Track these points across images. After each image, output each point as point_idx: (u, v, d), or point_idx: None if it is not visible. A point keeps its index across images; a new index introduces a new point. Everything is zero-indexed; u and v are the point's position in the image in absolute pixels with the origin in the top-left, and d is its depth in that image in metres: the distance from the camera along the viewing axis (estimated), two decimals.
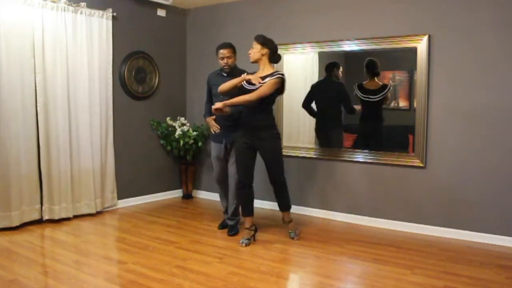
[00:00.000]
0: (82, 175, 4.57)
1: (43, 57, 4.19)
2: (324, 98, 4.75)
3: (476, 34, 3.81)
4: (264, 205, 5.03)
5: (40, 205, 4.27)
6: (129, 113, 5.09)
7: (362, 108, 4.49)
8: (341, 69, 4.62)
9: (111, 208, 4.89)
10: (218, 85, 3.83)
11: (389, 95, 4.33)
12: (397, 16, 4.16)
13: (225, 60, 3.96)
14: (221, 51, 3.98)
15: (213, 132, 4.05)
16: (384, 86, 4.34)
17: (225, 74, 4.02)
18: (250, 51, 3.76)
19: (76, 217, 4.49)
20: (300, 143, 4.88)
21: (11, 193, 4.02)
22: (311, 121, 4.80)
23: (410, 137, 4.16)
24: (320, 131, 4.76)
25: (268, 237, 3.98)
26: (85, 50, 4.51)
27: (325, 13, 4.57)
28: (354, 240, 3.93)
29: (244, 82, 3.72)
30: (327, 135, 4.77)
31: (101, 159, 4.77)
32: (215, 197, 5.47)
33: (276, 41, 4.82)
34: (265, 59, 3.73)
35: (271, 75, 3.66)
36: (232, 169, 4.04)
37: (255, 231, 3.86)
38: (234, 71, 4.01)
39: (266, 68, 3.74)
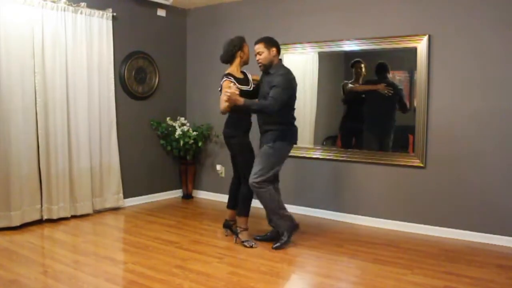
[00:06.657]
0: (81, 175, 4.55)
1: (43, 57, 4.18)
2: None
3: (476, 34, 3.81)
4: None
5: (40, 205, 4.26)
6: (129, 113, 5.09)
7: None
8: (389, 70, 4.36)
9: (111, 208, 4.89)
10: (262, 83, 3.68)
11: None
12: (397, 16, 4.16)
13: (256, 57, 3.64)
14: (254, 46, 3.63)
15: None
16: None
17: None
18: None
19: (74, 217, 4.49)
20: (300, 143, 4.86)
21: (11, 193, 4.02)
22: (311, 121, 4.80)
23: (410, 137, 4.17)
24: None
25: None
26: (85, 50, 4.50)
27: (325, 13, 4.57)
28: (354, 240, 3.93)
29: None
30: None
31: (101, 159, 4.76)
32: (215, 197, 5.49)
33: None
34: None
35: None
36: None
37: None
38: (267, 69, 3.65)
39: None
